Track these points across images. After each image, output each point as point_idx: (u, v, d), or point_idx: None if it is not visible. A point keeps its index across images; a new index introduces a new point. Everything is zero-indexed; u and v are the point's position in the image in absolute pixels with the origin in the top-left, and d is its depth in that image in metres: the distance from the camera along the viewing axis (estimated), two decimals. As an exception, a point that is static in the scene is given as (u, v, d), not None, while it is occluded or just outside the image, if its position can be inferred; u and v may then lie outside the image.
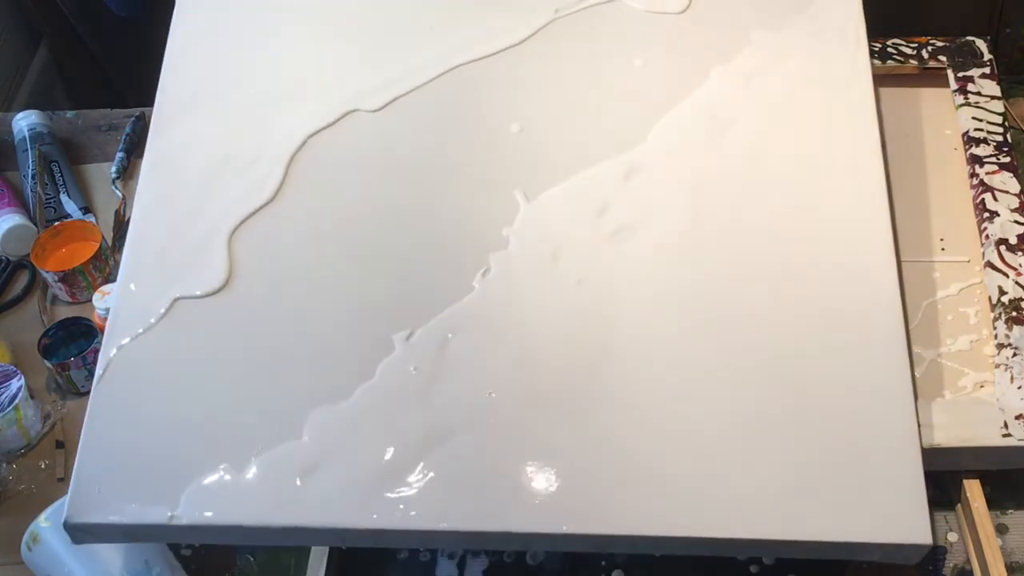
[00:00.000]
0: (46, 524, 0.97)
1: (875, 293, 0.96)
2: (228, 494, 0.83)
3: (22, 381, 1.08)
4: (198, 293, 0.91)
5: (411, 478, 0.84)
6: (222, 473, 0.83)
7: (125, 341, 0.89)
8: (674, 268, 0.96)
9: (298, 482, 0.83)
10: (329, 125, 1.01)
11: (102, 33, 2.06)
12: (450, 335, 0.90)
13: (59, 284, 1.19)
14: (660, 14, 1.07)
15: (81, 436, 0.86)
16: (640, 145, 1.00)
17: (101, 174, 1.33)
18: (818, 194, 1.03)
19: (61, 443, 1.09)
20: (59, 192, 1.29)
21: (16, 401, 1.07)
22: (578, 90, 1.03)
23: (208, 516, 0.82)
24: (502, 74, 1.03)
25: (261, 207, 0.96)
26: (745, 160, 1.02)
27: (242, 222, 0.96)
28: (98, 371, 0.88)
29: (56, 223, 1.24)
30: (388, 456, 0.84)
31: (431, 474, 0.84)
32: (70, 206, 1.28)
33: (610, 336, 0.92)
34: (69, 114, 1.40)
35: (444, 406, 0.87)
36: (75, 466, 0.84)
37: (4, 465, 1.07)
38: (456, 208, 0.96)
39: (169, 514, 0.82)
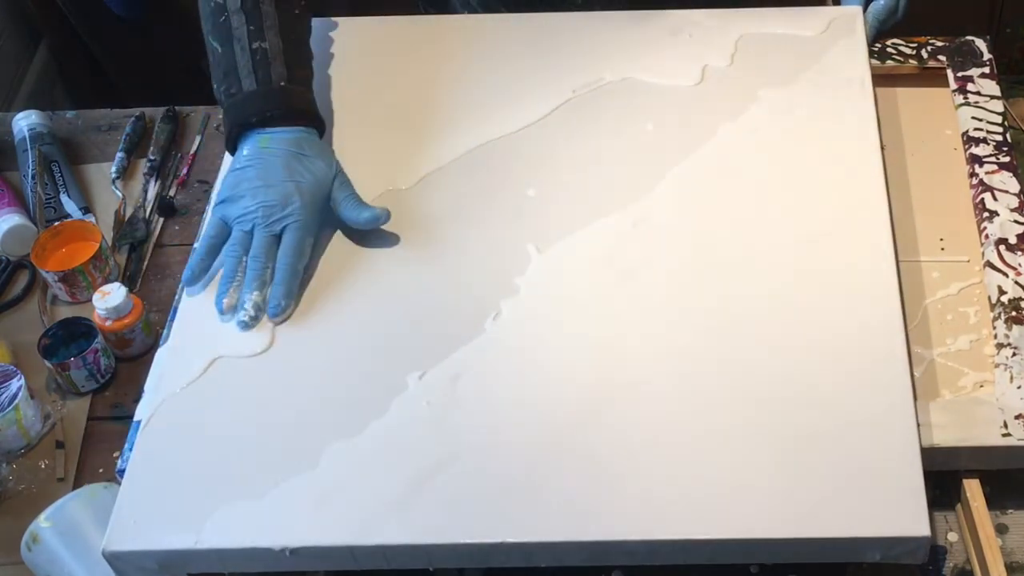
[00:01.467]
0: (46, 524, 0.97)
1: (875, 293, 0.96)
2: (248, 520, 0.87)
3: (22, 381, 1.08)
4: (239, 355, 0.98)
5: (418, 499, 0.87)
6: (243, 502, 0.88)
7: (169, 394, 0.96)
8: (678, 289, 0.98)
9: (313, 507, 0.87)
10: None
11: (102, 33, 2.06)
12: (461, 373, 0.94)
13: (59, 284, 1.19)
14: (673, 87, 1.13)
15: (124, 476, 0.92)
16: (647, 197, 1.05)
17: (101, 174, 1.33)
18: (818, 194, 1.04)
19: (61, 443, 1.09)
20: (59, 192, 1.29)
21: (16, 401, 1.07)
22: (591, 155, 1.09)
23: (229, 540, 0.86)
24: (521, 148, 1.10)
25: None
26: (748, 184, 1.05)
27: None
28: (144, 418, 0.94)
29: (56, 223, 1.24)
30: (397, 481, 0.88)
31: (437, 495, 0.87)
32: (70, 206, 1.28)
33: (616, 362, 0.94)
34: (69, 114, 1.40)
35: (452, 436, 0.90)
36: (116, 502, 0.90)
37: (4, 465, 1.07)
38: (470, 262, 1.02)
39: (195, 539, 0.86)
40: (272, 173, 1.01)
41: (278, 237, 1.00)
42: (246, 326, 0.97)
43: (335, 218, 1.04)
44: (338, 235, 1.05)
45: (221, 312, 0.99)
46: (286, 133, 1.04)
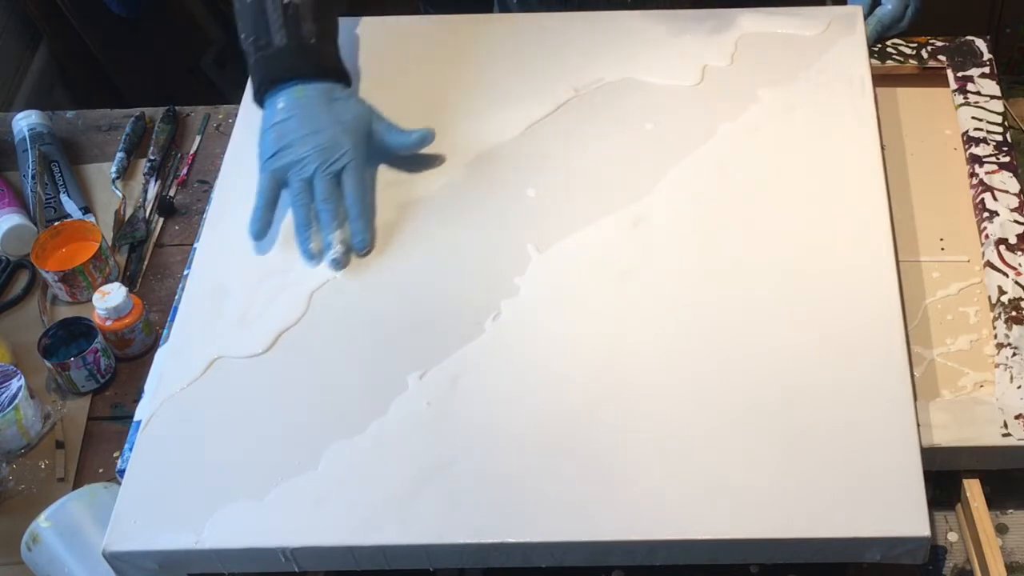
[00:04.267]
0: (46, 524, 0.97)
1: (875, 293, 0.96)
2: (248, 520, 0.87)
3: (22, 381, 1.08)
4: (238, 355, 0.98)
5: (418, 499, 0.87)
6: (243, 502, 0.88)
7: (169, 394, 0.96)
8: (678, 289, 0.98)
9: (313, 507, 0.87)
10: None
11: (102, 33, 2.06)
12: (461, 373, 0.94)
13: (59, 284, 1.19)
14: (673, 87, 1.13)
15: (124, 477, 0.92)
16: (647, 197, 1.05)
17: (101, 174, 1.33)
18: (818, 194, 1.04)
19: (61, 443, 1.09)
20: (59, 192, 1.29)
21: (16, 401, 1.07)
22: (591, 155, 1.09)
23: (229, 540, 0.87)
24: (521, 148, 1.10)
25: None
26: (748, 184, 1.05)
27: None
28: (144, 418, 0.94)
29: (56, 223, 1.24)
30: (397, 481, 0.88)
31: (437, 495, 0.87)
32: (70, 206, 1.28)
33: (615, 362, 0.94)
34: (69, 114, 1.40)
35: (452, 436, 0.90)
36: (116, 503, 0.90)
37: (4, 465, 1.07)
38: (471, 262, 1.02)
39: (195, 540, 0.86)
40: (316, 119, 1.03)
41: (338, 178, 1.03)
42: (339, 264, 1.01)
43: (380, 152, 1.07)
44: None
45: (310, 258, 1.02)
46: (319, 83, 1.05)
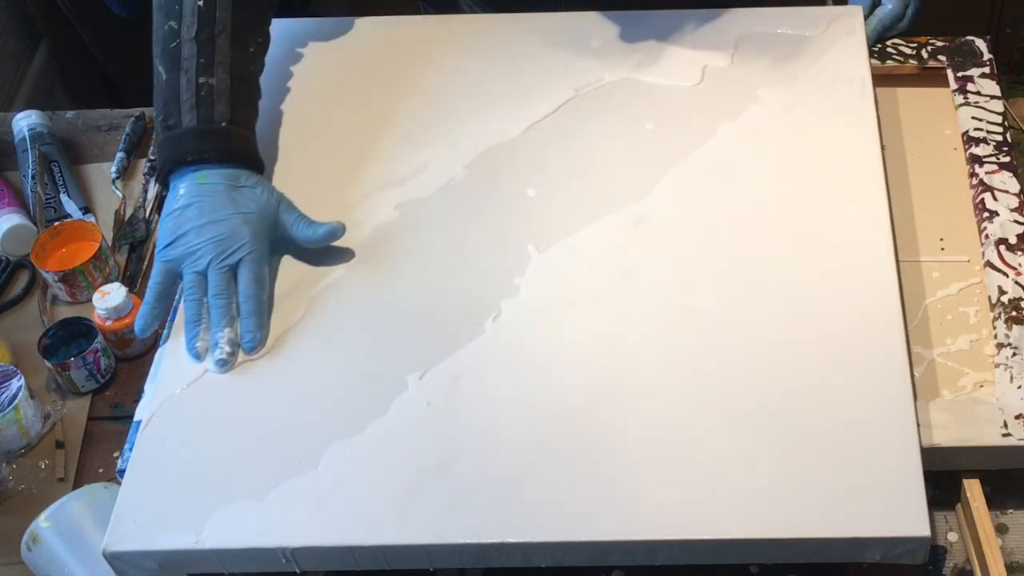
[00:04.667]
0: (46, 524, 0.97)
1: (875, 293, 0.96)
2: (248, 520, 0.87)
3: (22, 381, 1.08)
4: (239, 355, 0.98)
5: (418, 499, 0.87)
6: (243, 502, 0.88)
7: (169, 394, 0.96)
8: (678, 289, 0.98)
9: (313, 507, 0.87)
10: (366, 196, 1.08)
11: (102, 33, 2.06)
12: (461, 374, 0.94)
13: (59, 284, 1.19)
14: (673, 87, 1.13)
15: (124, 477, 0.92)
16: (647, 197, 1.05)
17: (101, 174, 1.33)
18: (818, 195, 1.04)
19: (61, 443, 1.09)
20: (59, 192, 1.29)
21: (16, 401, 1.07)
22: (591, 155, 1.09)
23: (229, 541, 0.86)
24: (521, 148, 1.10)
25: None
26: (748, 184, 1.05)
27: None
28: (144, 418, 0.94)
29: (56, 223, 1.24)
30: (397, 481, 0.88)
31: (437, 495, 0.87)
32: (70, 206, 1.28)
33: (615, 362, 0.94)
34: (69, 114, 1.40)
35: (452, 436, 0.90)
36: (116, 503, 0.90)
37: (4, 465, 1.07)
38: (470, 262, 1.02)
39: (195, 540, 0.86)
40: (216, 208, 0.99)
41: (234, 272, 0.98)
42: (225, 364, 0.95)
43: (285, 243, 1.02)
44: (345, 241, 1.04)
45: (195, 358, 0.96)
46: (223, 168, 1.01)
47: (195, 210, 0.99)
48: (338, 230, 1.01)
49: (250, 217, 0.99)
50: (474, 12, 1.28)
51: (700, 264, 1.00)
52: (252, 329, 0.97)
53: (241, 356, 0.97)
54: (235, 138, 1.03)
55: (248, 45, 1.07)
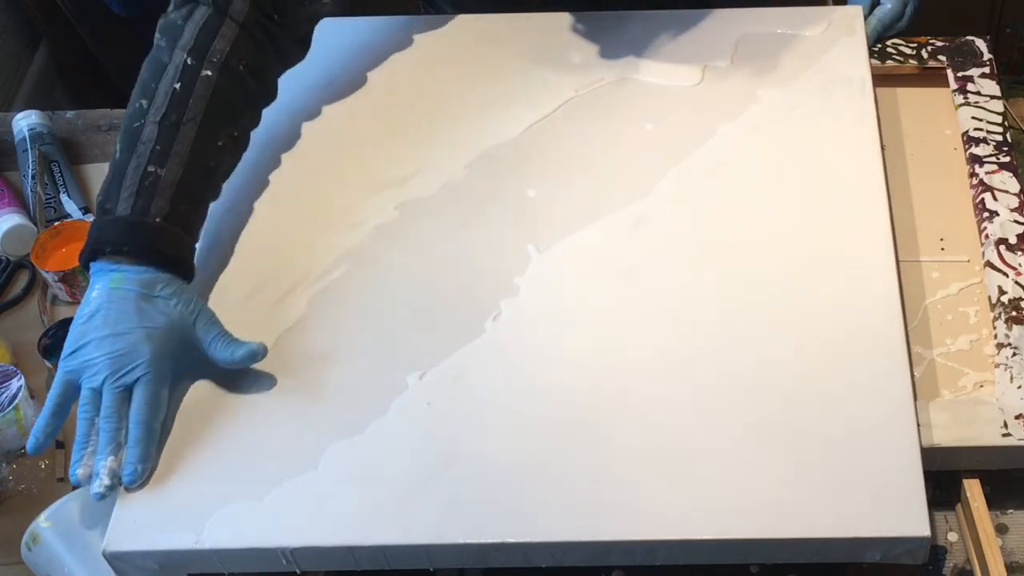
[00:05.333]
0: (46, 524, 0.97)
1: (875, 293, 0.96)
2: (248, 520, 0.87)
3: (22, 381, 1.08)
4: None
5: (418, 499, 0.87)
6: (243, 502, 0.88)
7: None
8: (678, 288, 0.98)
9: (313, 507, 0.87)
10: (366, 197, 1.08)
11: (102, 33, 2.06)
12: (461, 374, 0.94)
13: (59, 284, 1.19)
14: (673, 87, 1.13)
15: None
16: (647, 197, 1.05)
17: (101, 174, 1.30)
18: (818, 195, 1.04)
19: (61, 443, 1.09)
20: (59, 192, 1.29)
21: (16, 401, 1.07)
22: (591, 154, 1.09)
23: (229, 540, 0.86)
24: (521, 148, 1.10)
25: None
26: (748, 184, 1.05)
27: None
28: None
29: (56, 223, 1.24)
30: (397, 481, 0.88)
31: (437, 495, 0.87)
32: (70, 206, 1.28)
33: (615, 362, 0.94)
34: (69, 114, 1.40)
35: (452, 437, 0.90)
36: (116, 503, 0.89)
37: (4, 465, 1.07)
38: (470, 262, 1.02)
39: (195, 540, 0.86)
40: (120, 319, 0.91)
41: (130, 392, 0.90)
42: (102, 497, 0.88)
43: (200, 359, 0.94)
44: (336, 235, 1.04)
45: (77, 484, 0.90)
46: (141, 273, 0.92)
47: (100, 319, 0.91)
48: (258, 352, 0.93)
49: (154, 333, 0.91)
50: (474, 12, 1.27)
51: (700, 263, 1.00)
52: (134, 460, 0.88)
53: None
54: (164, 237, 0.94)
55: (219, 138, 1.00)
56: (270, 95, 1.08)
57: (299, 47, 1.11)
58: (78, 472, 0.90)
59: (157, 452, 0.91)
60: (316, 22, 1.11)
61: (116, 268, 0.93)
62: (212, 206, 1.02)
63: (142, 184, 0.94)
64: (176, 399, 0.94)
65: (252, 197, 1.07)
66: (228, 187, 1.06)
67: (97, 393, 0.90)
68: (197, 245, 0.99)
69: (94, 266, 0.94)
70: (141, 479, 0.89)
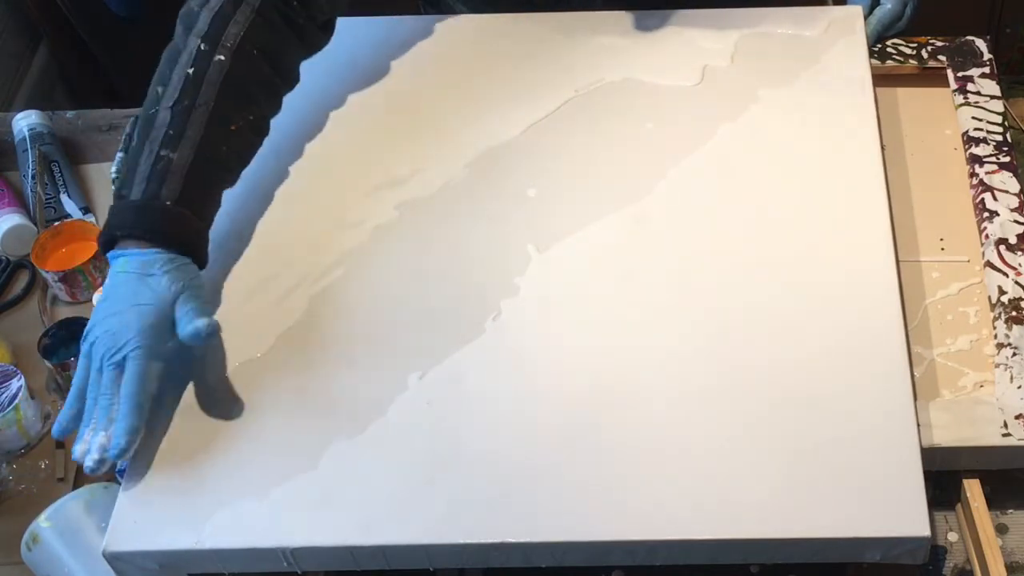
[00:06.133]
0: (46, 524, 0.97)
1: (875, 293, 0.96)
2: (249, 520, 0.87)
3: (22, 381, 1.08)
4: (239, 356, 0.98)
5: (418, 499, 0.87)
6: (243, 502, 0.88)
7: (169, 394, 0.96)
8: (678, 288, 0.98)
9: (313, 507, 0.87)
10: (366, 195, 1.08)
11: (102, 33, 2.06)
12: (461, 374, 0.94)
13: (59, 284, 1.19)
14: (673, 87, 1.13)
15: (124, 477, 0.92)
16: (647, 197, 1.05)
17: (101, 174, 1.33)
18: (818, 195, 1.04)
19: (61, 443, 1.09)
20: (59, 192, 1.29)
21: (16, 401, 1.07)
22: (591, 154, 1.09)
23: (230, 541, 0.86)
24: (521, 148, 1.10)
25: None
26: (748, 183, 1.05)
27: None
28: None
29: (56, 223, 1.24)
30: (397, 481, 0.88)
31: (437, 495, 0.87)
32: (70, 206, 1.28)
33: (615, 362, 0.94)
34: (69, 114, 1.40)
35: (452, 436, 0.90)
36: (116, 503, 0.90)
37: (4, 465, 1.08)
38: (470, 262, 1.02)
39: (195, 540, 0.86)
40: (118, 300, 0.92)
41: (122, 369, 0.91)
42: (95, 471, 0.88)
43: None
44: (335, 235, 1.04)
45: (77, 460, 0.90)
46: (144, 254, 0.93)
47: (107, 301, 0.93)
48: (202, 330, 0.91)
49: (144, 309, 0.91)
50: (474, 12, 1.28)
51: (700, 263, 1.00)
52: (119, 434, 0.88)
53: (241, 356, 0.97)
54: (171, 218, 0.95)
55: (232, 123, 1.00)
56: (289, 81, 1.08)
57: (322, 32, 1.11)
58: (77, 448, 0.90)
59: (162, 431, 0.92)
60: (338, 7, 1.11)
61: (123, 253, 0.94)
62: None
63: (154, 168, 0.95)
64: (176, 399, 0.95)
65: (252, 197, 1.07)
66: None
67: (100, 372, 0.92)
68: None
69: (110, 254, 0.96)
70: (126, 452, 0.89)
